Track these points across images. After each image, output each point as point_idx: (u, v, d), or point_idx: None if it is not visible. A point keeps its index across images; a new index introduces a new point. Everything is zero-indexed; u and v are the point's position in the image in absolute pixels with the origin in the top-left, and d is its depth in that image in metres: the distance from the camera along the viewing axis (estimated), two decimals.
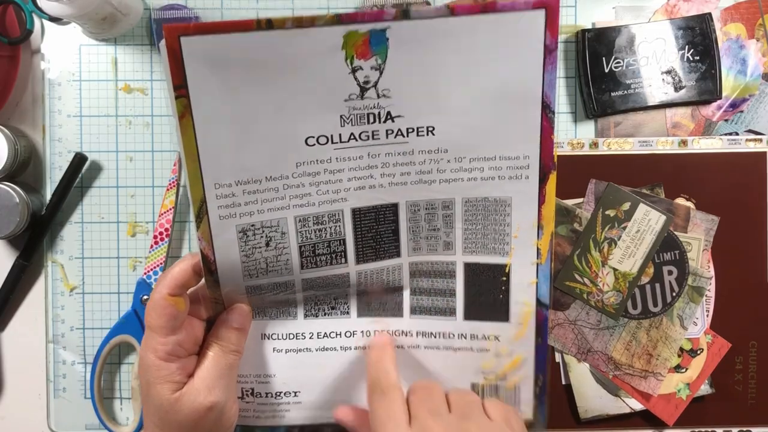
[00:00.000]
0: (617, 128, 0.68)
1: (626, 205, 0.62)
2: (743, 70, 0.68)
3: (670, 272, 0.62)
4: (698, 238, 0.62)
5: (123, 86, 0.68)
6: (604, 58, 0.66)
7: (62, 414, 0.68)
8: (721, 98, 0.67)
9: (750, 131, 0.68)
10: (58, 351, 0.68)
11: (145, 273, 0.66)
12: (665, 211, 0.61)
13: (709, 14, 0.66)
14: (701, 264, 0.62)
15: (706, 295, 0.63)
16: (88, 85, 0.68)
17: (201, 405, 0.52)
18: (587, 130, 0.68)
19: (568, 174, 0.63)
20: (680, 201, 0.63)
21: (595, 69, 0.66)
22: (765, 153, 0.64)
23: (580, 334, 0.62)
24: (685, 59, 0.66)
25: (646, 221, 0.61)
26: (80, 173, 0.67)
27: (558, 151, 0.63)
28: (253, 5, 0.68)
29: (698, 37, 0.66)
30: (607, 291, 0.61)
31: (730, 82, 0.67)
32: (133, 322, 0.66)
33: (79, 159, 0.66)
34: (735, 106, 0.68)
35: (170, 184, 0.66)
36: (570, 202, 0.62)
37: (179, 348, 0.52)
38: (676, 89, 0.66)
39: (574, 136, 0.68)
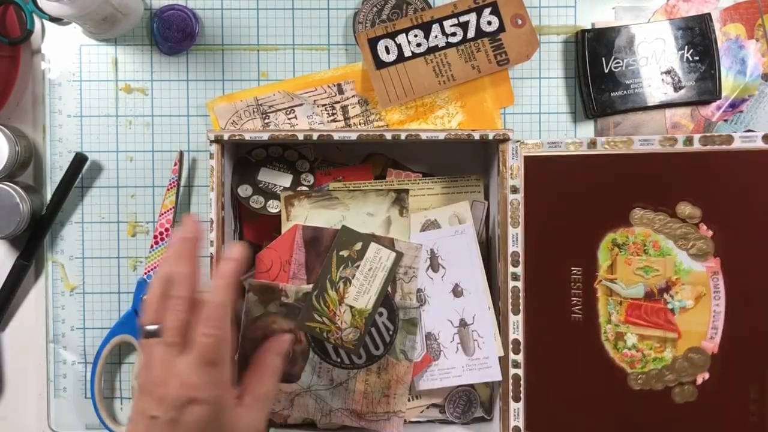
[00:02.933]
0: (617, 128, 0.68)
1: (358, 245, 0.62)
2: (743, 71, 0.68)
3: (380, 314, 0.62)
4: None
5: (123, 86, 0.68)
6: (603, 59, 0.66)
7: (62, 414, 0.68)
8: (720, 98, 0.67)
9: (749, 131, 0.68)
10: (58, 351, 0.68)
11: (145, 273, 0.66)
12: (394, 249, 0.62)
13: (709, 14, 0.66)
14: (405, 296, 0.63)
15: (714, 311, 0.59)
16: (88, 85, 0.68)
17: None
18: (587, 130, 0.68)
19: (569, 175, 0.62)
20: (685, 207, 0.60)
21: (595, 69, 0.66)
22: None
23: (319, 398, 0.62)
24: (685, 59, 0.66)
25: (378, 259, 0.62)
26: (80, 173, 0.67)
27: (556, 151, 0.63)
28: (253, 5, 0.68)
29: (698, 38, 0.66)
30: (346, 328, 0.62)
31: (729, 83, 0.67)
32: (133, 322, 0.66)
33: (79, 159, 0.66)
34: (734, 106, 0.68)
35: (170, 184, 0.66)
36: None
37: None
38: (676, 89, 0.66)
39: (574, 136, 0.68)
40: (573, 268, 0.62)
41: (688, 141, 0.60)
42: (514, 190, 0.62)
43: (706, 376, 0.59)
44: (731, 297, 0.58)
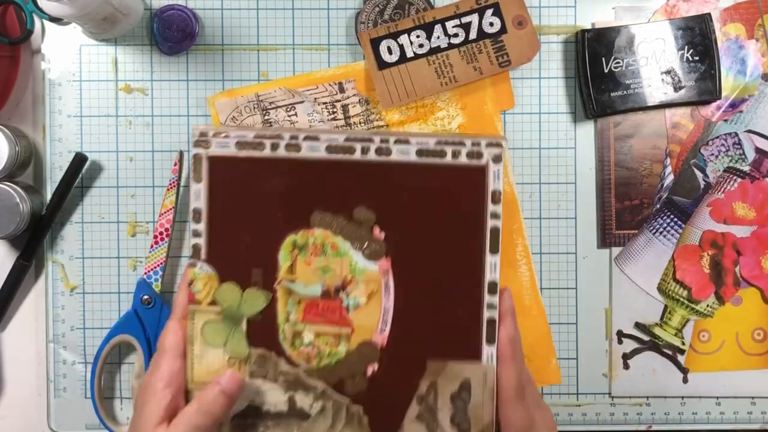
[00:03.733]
0: (617, 128, 0.68)
1: None
2: (743, 71, 0.68)
3: None
4: None
5: (123, 86, 0.68)
6: (603, 59, 0.66)
7: (62, 414, 0.68)
8: (720, 98, 0.67)
9: (750, 132, 0.68)
10: (58, 351, 0.68)
11: (145, 273, 0.66)
12: None
13: (709, 14, 0.66)
14: None
15: (384, 307, 0.61)
16: (88, 85, 0.68)
17: None
18: (587, 130, 0.69)
19: None
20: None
21: (595, 69, 0.66)
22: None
23: None
24: (685, 59, 0.66)
25: None
26: (80, 173, 0.67)
27: None
28: (253, 5, 0.68)
29: (698, 38, 0.66)
30: None
31: (729, 83, 0.68)
32: (133, 322, 0.66)
33: (79, 159, 0.66)
34: (734, 106, 0.68)
35: (170, 184, 0.66)
36: None
37: (181, 376, 0.54)
38: (676, 89, 0.66)
39: (574, 136, 0.68)
40: (253, 270, 0.61)
41: (364, 151, 0.61)
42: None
43: (376, 367, 0.61)
44: (399, 294, 0.61)
